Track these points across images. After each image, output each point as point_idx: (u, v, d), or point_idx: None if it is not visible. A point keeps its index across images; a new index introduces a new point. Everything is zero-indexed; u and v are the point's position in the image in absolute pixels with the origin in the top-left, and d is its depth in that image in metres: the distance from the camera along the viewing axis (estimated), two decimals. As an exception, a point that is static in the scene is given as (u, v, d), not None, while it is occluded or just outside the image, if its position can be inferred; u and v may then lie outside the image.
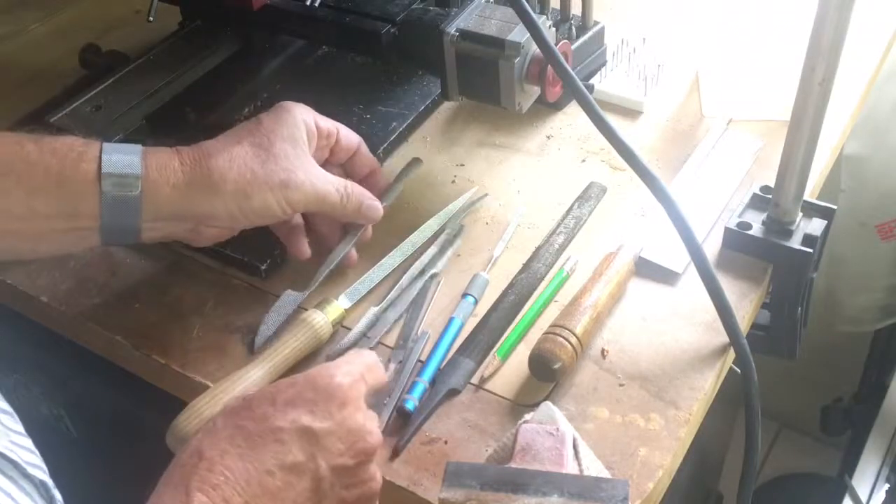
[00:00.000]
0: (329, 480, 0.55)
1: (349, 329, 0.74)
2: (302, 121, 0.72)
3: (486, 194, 0.86)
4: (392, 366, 0.71)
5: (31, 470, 0.49)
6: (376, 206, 0.77)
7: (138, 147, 0.68)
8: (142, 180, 0.66)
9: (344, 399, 0.56)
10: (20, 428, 0.53)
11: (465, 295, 0.76)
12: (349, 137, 0.78)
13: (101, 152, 0.66)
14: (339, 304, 0.74)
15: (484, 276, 0.77)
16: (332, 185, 0.73)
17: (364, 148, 0.79)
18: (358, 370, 0.58)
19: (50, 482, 0.51)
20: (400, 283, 0.78)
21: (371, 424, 0.58)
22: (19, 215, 0.65)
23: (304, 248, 0.77)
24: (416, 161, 0.86)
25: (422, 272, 0.79)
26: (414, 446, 0.66)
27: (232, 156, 0.68)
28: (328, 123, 0.75)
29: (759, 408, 0.67)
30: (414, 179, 0.87)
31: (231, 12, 0.92)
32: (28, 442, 0.52)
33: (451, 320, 0.74)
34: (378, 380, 0.61)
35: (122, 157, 0.66)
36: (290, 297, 0.76)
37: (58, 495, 0.51)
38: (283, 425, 0.54)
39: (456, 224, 0.83)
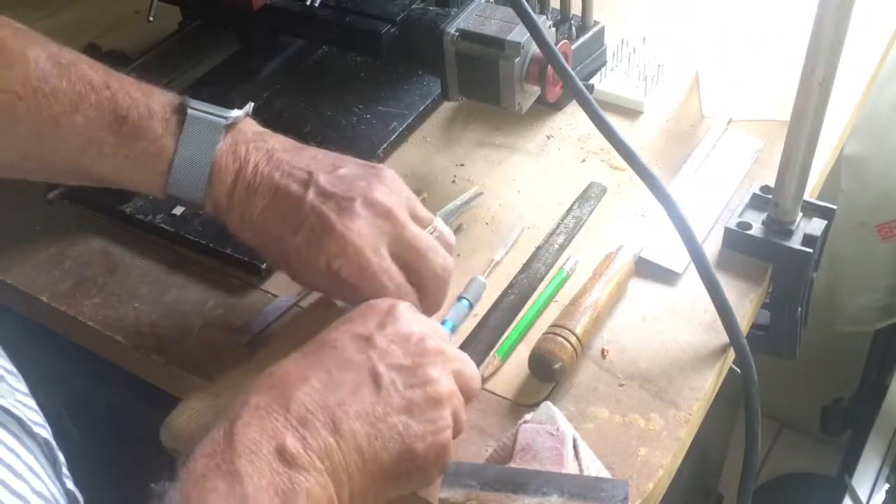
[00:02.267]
0: (388, 377, 0.55)
1: (349, 329, 0.74)
2: None
3: (482, 192, 0.86)
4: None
5: (35, 428, 0.49)
6: None
7: (207, 167, 0.66)
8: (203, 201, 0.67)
9: (394, 312, 0.59)
10: (24, 388, 0.53)
11: (460, 298, 0.75)
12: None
13: (172, 162, 0.66)
14: (338, 304, 0.74)
15: (481, 280, 0.77)
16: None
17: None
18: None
19: (53, 442, 0.51)
20: (400, 283, 0.78)
21: (422, 329, 0.59)
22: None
23: None
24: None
25: (421, 272, 0.78)
26: (414, 446, 0.66)
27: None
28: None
29: (759, 408, 0.67)
30: (414, 179, 0.86)
31: (231, 12, 0.92)
32: (32, 402, 0.52)
33: (443, 323, 0.72)
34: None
35: (191, 174, 0.66)
36: (282, 301, 0.76)
37: (61, 456, 0.51)
38: (337, 336, 0.58)
39: (455, 224, 0.83)
